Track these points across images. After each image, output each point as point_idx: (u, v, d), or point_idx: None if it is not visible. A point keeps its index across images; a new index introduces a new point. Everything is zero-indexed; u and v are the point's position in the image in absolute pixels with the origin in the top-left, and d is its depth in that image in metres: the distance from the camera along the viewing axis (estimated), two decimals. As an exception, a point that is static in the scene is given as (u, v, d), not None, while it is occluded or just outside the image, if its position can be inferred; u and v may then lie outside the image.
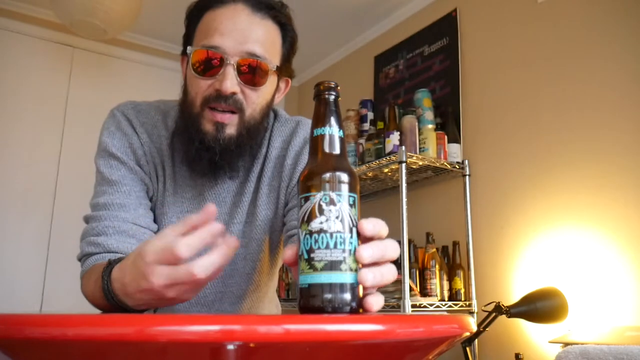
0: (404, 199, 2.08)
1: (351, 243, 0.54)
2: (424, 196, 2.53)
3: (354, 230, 0.54)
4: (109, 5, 2.35)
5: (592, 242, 1.82)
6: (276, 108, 1.05)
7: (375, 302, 0.55)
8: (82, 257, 0.89)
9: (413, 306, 2.01)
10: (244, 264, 1.00)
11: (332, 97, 0.59)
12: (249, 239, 0.99)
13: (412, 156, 2.15)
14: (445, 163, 2.24)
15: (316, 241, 0.53)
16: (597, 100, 1.89)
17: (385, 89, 2.89)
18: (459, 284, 2.17)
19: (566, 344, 1.46)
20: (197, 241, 0.59)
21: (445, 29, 2.57)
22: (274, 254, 1.05)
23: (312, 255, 0.53)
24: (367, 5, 2.83)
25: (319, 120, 0.59)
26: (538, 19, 2.14)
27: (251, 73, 0.87)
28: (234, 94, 0.87)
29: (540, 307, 1.76)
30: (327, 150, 0.57)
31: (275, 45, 0.92)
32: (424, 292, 2.11)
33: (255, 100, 0.90)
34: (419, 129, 2.26)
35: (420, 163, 2.19)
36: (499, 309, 1.80)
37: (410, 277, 2.09)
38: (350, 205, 0.55)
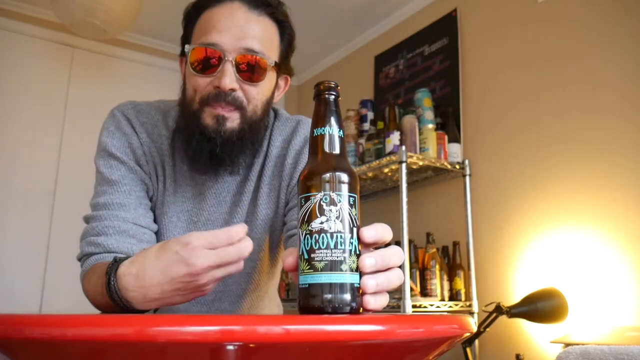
0: (404, 199, 2.08)
1: (351, 243, 0.54)
2: (424, 196, 2.52)
3: (355, 230, 0.54)
4: (109, 5, 2.35)
5: (592, 242, 1.82)
6: (276, 107, 1.05)
7: (377, 302, 0.55)
8: (82, 257, 0.89)
9: (413, 306, 2.01)
10: (244, 263, 1.00)
11: (332, 97, 0.59)
12: (249, 238, 0.99)
13: (412, 156, 2.15)
14: (445, 163, 2.24)
15: (316, 241, 0.53)
16: (597, 100, 1.89)
17: (385, 88, 2.89)
18: (460, 284, 2.17)
19: (567, 345, 1.46)
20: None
21: (445, 29, 2.57)
22: (274, 254, 1.05)
23: (312, 255, 0.53)
24: (367, 5, 2.83)
25: (319, 120, 0.59)
26: (538, 19, 2.14)
27: (250, 69, 0.87)
28: (233, 90, 0.87)
29: (540, 307, 1.76)
30: (327, 150, 0.57)
31: (273, 42, 0.92)
32: (424, 293, 2.11)
33: (255, 96, 0.90)
34: (419, 129, 2.26)
35: (421, 163, 2.19)
36: (499, 309, 1.80)
37: (411, 277, 2.09)
38: (351, 206, 0.55)
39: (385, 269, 0.56)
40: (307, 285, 0.53)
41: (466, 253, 2.21)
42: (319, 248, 0.53)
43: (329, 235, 0.53)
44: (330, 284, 0.52)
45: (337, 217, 0.53)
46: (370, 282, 0.54)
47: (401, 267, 0.59)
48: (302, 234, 0.54)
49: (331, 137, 0.58)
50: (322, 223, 0.53)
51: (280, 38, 0.94)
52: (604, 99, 1.87)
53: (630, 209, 1.74)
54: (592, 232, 1.82)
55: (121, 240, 0.86)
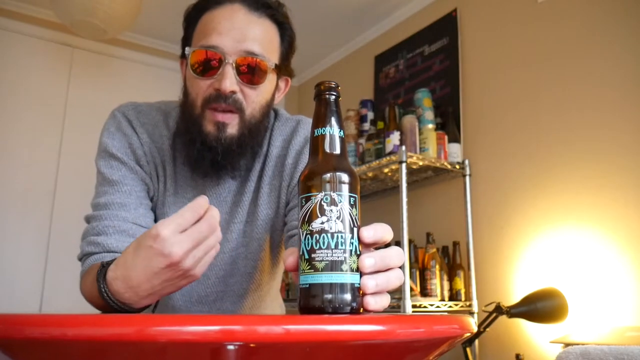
0: (404, 199, 2.08)
1: (352, 243, 0.54)
2: (424, 196, 2.52)
3: (355, 230, 0.54)
4: (109, 5, 2.35)
5: (592, 242, 1.82)
6: (277, 107, 1.05)
7: (378, 302, 0.55)
8: (83, 257, 0.89)
9: (413, 306, 2.01)
10: (245, 263, 1.00)
11: (332, 97, 0.59)
12: (250, 238, 0.99)
13: (412, 156, 2.15)
14: (445, 163, 2.24)
15: (317, 241, 0.53)
16: (597, 100, 1.89)
17: (385, 88, 2.89)
18: (460, 284, 2.17)
19: (567, 345, 1.46)
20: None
21: (445, 29, 2.57)
22: (275, 253, 1.05)
23: (313, 255, 0.53)
24: (367, 5, 2.83)
25: (320, 120, 0.59)
26: (538, 19, 2.14)
27: (250, 72, 0.87)
28: (233, 93, 0.87)
29: (540, 307, 1.76)
30: (327, 150, 0.57)
31: (273, 44, 0.92)
32: (424, 293, 2.11)
33: (254, 99, 0.90)
34: (419, 129, 2.26)
35: (421, 163, 2.19)
36: (499, 309, 1.80)
37: (411, 277, 2.09)
38: (351, 206, 0.55)
39: (385, 270, 0.56)
40: (307, 285, 0.53)
41: (466, 253, 2.21)
42: (320, 248, 0.53)
43: (329, 235, 0.53)
44: (331, 284, 0.52)
45: (338, 217, 0.53)
46: (369, 282, 0.54)
47: (401, 267, 0.59)
48: (302, 234, 0.54)
49: (332, 137, 0.58)
50: (322, 223, 0.53)
51: (280, 40, 0.94)
52: (604, 99, 1.87)
53: (630, 209, 1.74)
54: (592, 232, 1.82)
55: (121, 240, 0.86)
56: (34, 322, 0.42)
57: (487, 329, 1.85)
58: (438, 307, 2.09)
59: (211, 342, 0.40)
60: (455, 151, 2.30)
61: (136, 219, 0.90)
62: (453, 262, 2.22)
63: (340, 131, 0.58)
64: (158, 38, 3.19)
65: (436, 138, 2.26)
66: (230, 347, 0.41)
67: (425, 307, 2.05)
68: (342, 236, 0.53)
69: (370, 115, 2.60)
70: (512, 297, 2.00)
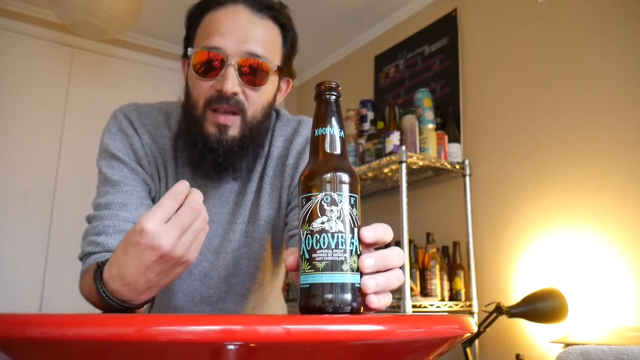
0: (404, 199, 2.08)
1: (352, 243, 0.54)
2: (424, 196, 2.52)
3: (355, 230, 0.54)
4: (109, 5, 2.35)
5: (592, 242, 1.82)
6: (278, 107, 1.05)
7: (380, 301, 0.55)
8: (83, 257, 0.89)
9: (413, 306, 2.01)
10: (248, 263, 1.00)
11: (333, 98, 0.59)
12: (252, 238, 1.00)
13: (412, 156, 2.15)
14: (445, 163, 2.24)
15: (317, 241, 0.53)
16: (597, 100, 1.89)
17: (385, 88, 2.89)
18: (460, 284, 2.17)
19: (567, 345, 1.46)
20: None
21: (445, 29, 2.57)
22: (277, 253, 1.05)
23: (313, 255, 0.53)
24: (367, 5, 2.83)
25: (320, 120, 0.59)
26: (538, 19, 2.14)
27: (252, 73, 0.88)
28: (235, 94, 0.87)
29: (540, 307, 1.76)
30: (328, 150, 0.57)
31: (275, 45, 0.92)
32: (425, 293, 2.11)
33: (256, 100, 0.90)
34: (419, 129, 2.26)
35: (421, 163, 2.19)
36: (499, 310, 1.80)
37: (411, 277, 2.09)
38: (352, 206, 0.55)
39: (385, 270, 0.56)
40: (308, 285, 0.53)
41: (466, 253, 2.21)
42: (320, 248, 0.53)
43: (330, 235, 0.53)
44: (331, 284, 0.52)
45: (338, 217, 0.53)
46: (370, 283, 0.54)
47: (402, 268, 0.59)
48: (303, 234, 0.54)
49: (332, 137, 0.58)
50: (323, 223, 0.53)
51: (282, 41, 0.94)
52: (604, 99, 1.87)
53: (630, 209, 1.74)
54: (592, 232, 1.82)
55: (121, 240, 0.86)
56: (34, 322, 0.42)
57: (487, 329, 1.85)
58: (438, 307, 2.09)
59: (211, 342, 0.40)
60: (455, 151, 2.30)
61: (137, 219, 0.90)
62: (453, 262, 2.22)
63: (340, 131, 0.58)
64: (158, 38, 3.19)
65: (436, 138, 2.26)
66: (231, 347, 0.41)
67: (425, 307, 2.05)
68: (342, 236, 0.53)
69: (370, 115, 2.60)
70: (512, 297, 2.00)
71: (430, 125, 2.27)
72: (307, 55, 3.33)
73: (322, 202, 0.54)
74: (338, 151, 0.57)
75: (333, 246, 0.53)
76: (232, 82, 0.86)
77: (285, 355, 0.45)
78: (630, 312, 1.68)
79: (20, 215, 2.73)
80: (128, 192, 0.92)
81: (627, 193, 1.75)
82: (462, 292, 2.17)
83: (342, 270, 0.52)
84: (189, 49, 0.90)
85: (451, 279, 2.18)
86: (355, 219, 0.55)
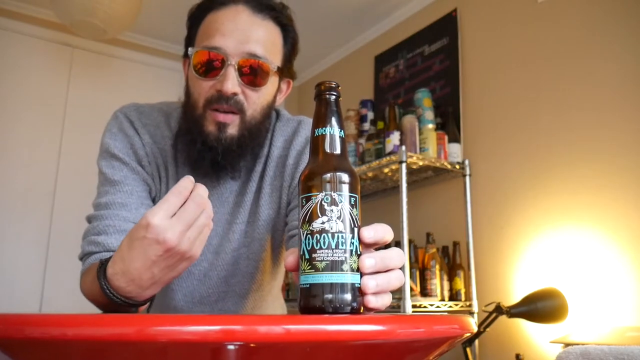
0: (404, 199, 2.08)
1: (352, 243, 0.54)
2: (424, 196, 2.52)
3: (356, 230, 0.54)
4: (109, 5, 2.35)
5: (592, 242, 1.82)
6: (278, 108, 1.05)
7: (379, 301, 0.55)
8: (83, 256, 0.89)
9: (413, 306, 2.00)
10: (247, 263, 1.00)
11: (332, 97, 0.59)
12: (252, 238, 1.00)
13: (412, 156, 2.15)
14: (445, 163, 2.24)
15: (318, 241, 0.53)
16: (597, 100, 1.89)
17: (385, 88, 2.89)
18: (460, 284, 2.17)
19: (567, 345, 1.46)
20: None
21: (445, 29, 2.57)
22: (276, 254, 1.05)
23: (313, 255, 0.53)
24: (367, 5, 2.83)
25: (320, 120, 0.59)
26: (538, 19, 2.14)
27: (252, 74, 0.88)
28: (235, 94, 0.87)
29: (540, 307, 1.76)
30: (328, 150, 0.57)
31: (276, 46, 0.93)
32: (425, 293, 2.11)
33: (256, 100, 0.90)
34: (419, 129, 2.26)
35: (421, 163, 2.19)
36: (499, 309, 1.80)
37: (411, 277, 2.09)
38: (352, 206, 0.55)
39: (385, 270, 0.56)
40: (308, 285, 0.53)
41: (466, 253, 2.21)
42: (320, 248, 0.53)
43: (330, 235, 0.53)
44: (331, 284, 0.52)
45: (338, 217, 0.53)
46: (370, 283, 0.54)
47: (402, 268, 0.59)
48: (303, 234, 0.54)
49: (332, 137, 0.58)
50: (323, 223, 0.53)
51: (283, 42, 0.94)
52: (604, 99, 1.87)
53: (630, 209, 1.74)
54: (592, 232, 1.82)
55: (121, 240, 0.86)
56: (34, 322, 0.42)
57: (487, 329, 1.85)
58: (438, 307, 2.09)
59: (211, 342, 0.40)
60: (455, 151, 2.30)
61: (137, 219, 0.90)
62: (453, 262, 2.22)
63: (340, 131, 0.58)
64: (158, 38, 3.19)
65: (436, 138, 2.26)
66: (231, 347, 0.41)
67: (425, 307, 2.05)
68: (342, 236, 0.53)
69: (370, 115, 2.60)
70: (512, 297, 2.00)
71: (430, 125, 2.27)
72: (307, 55, 3.33)
73: (322, 202, 0.54)
74: (338, 151, 0.57)
75: (333, 246, 0.53)
76: (232, 83, 0.86)
77: (285, 356, 0.45)
78: (630, 312, 1.68)
79: (21, 216, 2.73)
80: (128, 192, 0.92)
81: (627, 193, 1.75)
82: (462, 292, 2.17)
83: (342, 270, 0.52)
84: (190, 49, 0.91)
85: (451, 279, 2.18)
86: (356, 219, 0.55)
